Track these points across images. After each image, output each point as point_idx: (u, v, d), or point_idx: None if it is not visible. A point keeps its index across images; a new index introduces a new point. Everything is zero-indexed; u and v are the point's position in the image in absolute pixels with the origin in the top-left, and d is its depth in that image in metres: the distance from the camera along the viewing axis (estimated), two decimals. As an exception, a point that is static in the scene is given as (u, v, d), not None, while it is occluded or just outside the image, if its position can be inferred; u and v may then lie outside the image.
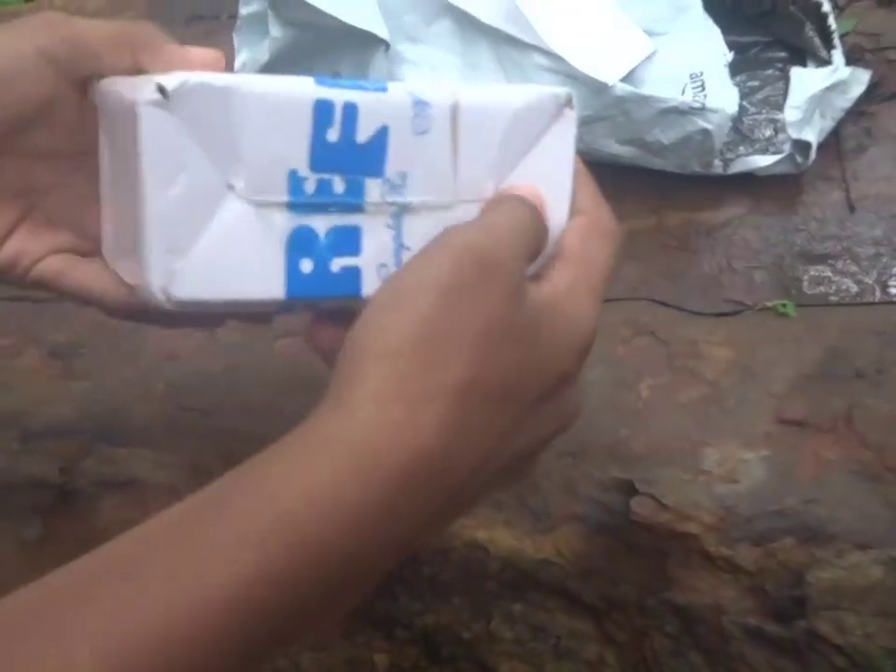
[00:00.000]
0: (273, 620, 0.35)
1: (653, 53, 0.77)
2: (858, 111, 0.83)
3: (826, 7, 0.86)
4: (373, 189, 0.44)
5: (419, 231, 0.44)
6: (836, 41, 0.84)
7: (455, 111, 0.45)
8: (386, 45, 0.76)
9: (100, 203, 0.48)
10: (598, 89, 0.72)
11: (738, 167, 0.76)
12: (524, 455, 0.42)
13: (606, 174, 0.76)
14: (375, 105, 0.43)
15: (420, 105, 0.44)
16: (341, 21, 0.75)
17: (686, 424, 0.61)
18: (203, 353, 0.66)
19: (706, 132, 0.73)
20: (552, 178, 0.47)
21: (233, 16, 0.89)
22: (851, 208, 0.76)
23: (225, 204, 0.42)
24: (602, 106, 0.73)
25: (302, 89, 0.43)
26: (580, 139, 0.73)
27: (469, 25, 0.77)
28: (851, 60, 0.87)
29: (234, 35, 0.87)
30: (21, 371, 0.64)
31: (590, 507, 0.58)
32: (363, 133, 0.43)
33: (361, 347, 0.39)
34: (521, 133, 0.46)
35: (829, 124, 0.80)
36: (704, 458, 0.59)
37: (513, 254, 0.42)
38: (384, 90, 0.44)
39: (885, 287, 0.70)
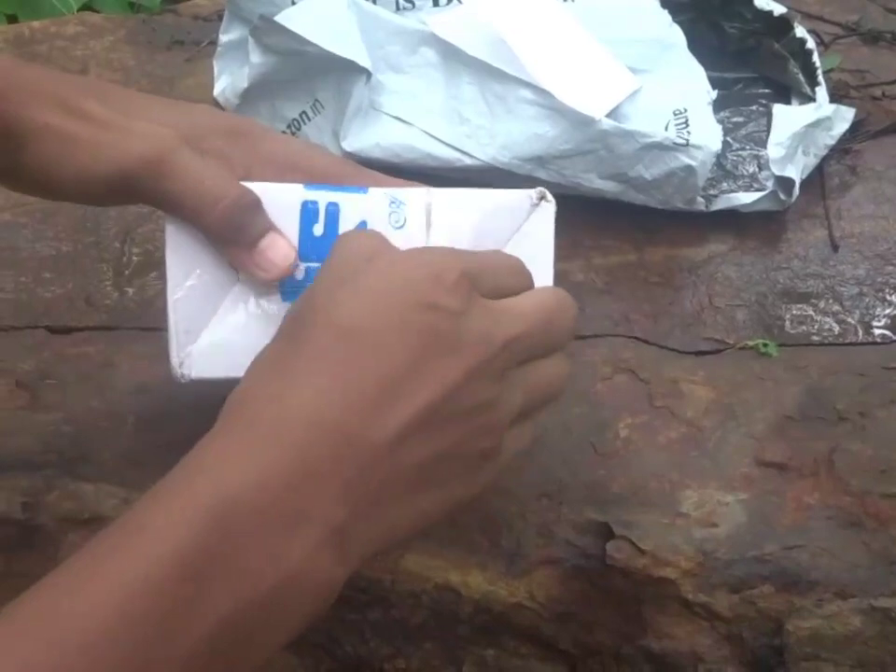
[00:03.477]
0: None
1: (638, 90, 0.76)
2: (842, 148, 0.83)
3: (810, 45, 0.86)
4: None
5: None
6: (820, 78, 0.84)
7: (428, 209, 0.51)
8: (368, 74, 0.75)
9: None
10: (582, 123, 0.72)
11: (721, 204, 0.76)
12: (460, 414, 0.43)
13: (587, 208, 0.76)
14: (355, 202, 0.51)
15: (396, 203, 0.51)
16: (322, 49, 0.75)
17: (665, 465, 0.60)
18: (174, 385, 0.65)
19: (689, 168, 0.72)
20: (531, 265, 0.50)
21: (213, 42, 0.89)
22: (835, 247, 0.75)
23: (231, 294, 0.52)
24: (585, 140, 0.72)
25: (292, 192, 0.51)
26: (560, 173, 0.73)
27: (453, 57, 0.76)
28: (836, 97, 0.87)
29: (214, 61, 0.86)
30: (-14, 401, 0.63)
31: (565, 550, 0.57)
32: (345, 228, 0.50)
33: None
34: (495, 227, 0.51)
35: (812, 161, 0.80)
36: (683, 501, 0.58)
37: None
38: (363, 191, 0.51)
39: (867, 327, 0.69)
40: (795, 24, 0.86)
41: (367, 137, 0.76)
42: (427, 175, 0.76)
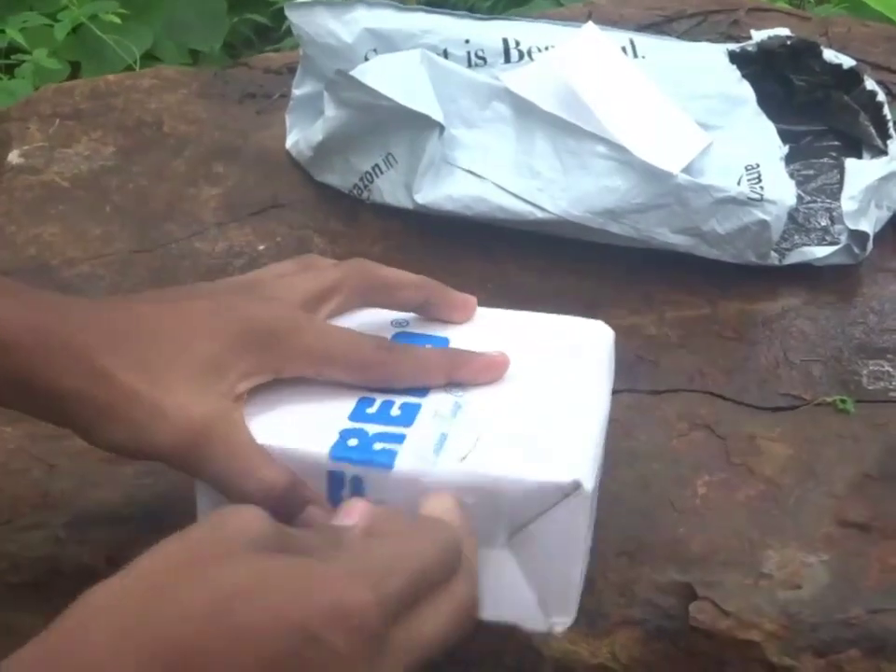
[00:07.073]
0: None
1: (709, 145, 0.76)
2: (915, 201, 0.82)
3: (881, 97, 0.86)
4: None
5: None
6: (892, 131, 0.84)
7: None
8: (441, 128, 0.76)
9: None
10: (655, 177, 0.72)
11: (794, 258, 0.76)
12: None
13: (660, 262, 0.76)
14: (378, 482, 0.49)
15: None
16: (396, 103, 0.76)
17: (745, 523, 0.60)
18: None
19: (763, 223, 0.72)
20: (556, 553, 0.49)
21: (284, 95, 0.90)
22: (910, 301, 0.75)
23: None
24: (657, 195, 0.73)
25: (316, 463, 0.50)
26: (634, 227, 0.74)
27: (526, 111, 0.77)
28: (906, 148, 0.86)
29: (286, 115, 0.87)
30: (69, 453, 0.63)
31: (647, 610, 0.56)
32: (371, 497, 0.48)
33: None
34: (520, 513, 0.49)
35: (886, 215, 0.80)
36: (764, 561, 0.58)
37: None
38: (389, 467, 0.48)
39: (946, 383, 0.69)
40: (865, 77, 0.86)
41: (439, 190, 0.77)
42: (499, 227, 0.76)
